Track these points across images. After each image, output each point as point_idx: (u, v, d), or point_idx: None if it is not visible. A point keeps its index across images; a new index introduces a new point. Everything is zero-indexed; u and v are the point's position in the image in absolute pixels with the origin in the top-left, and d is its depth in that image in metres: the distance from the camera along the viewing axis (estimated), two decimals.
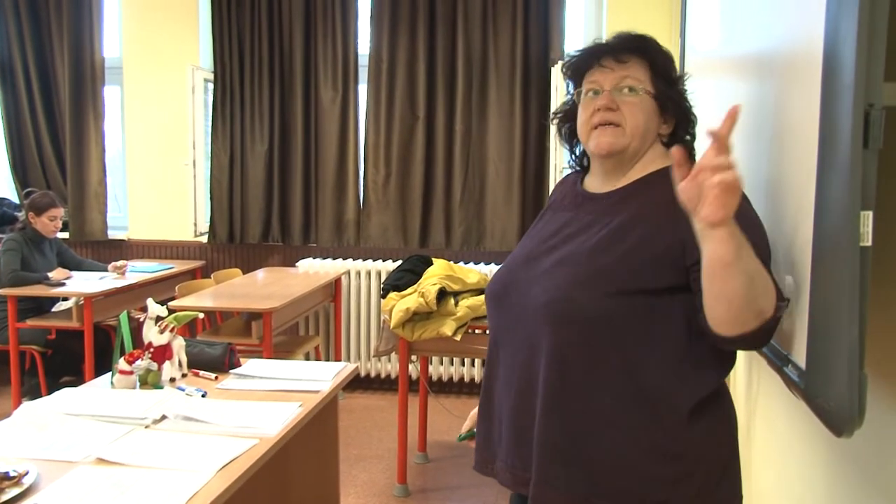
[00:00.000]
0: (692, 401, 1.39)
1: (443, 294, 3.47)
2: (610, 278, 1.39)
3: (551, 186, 4.63)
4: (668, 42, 5.38)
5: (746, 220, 1.26)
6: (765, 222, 1.53)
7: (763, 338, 1.29)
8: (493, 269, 4.94)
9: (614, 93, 1.48)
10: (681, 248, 1.36)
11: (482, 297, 3.55)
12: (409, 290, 3.56)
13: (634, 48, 1.51)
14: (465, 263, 4.78)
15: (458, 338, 3.38)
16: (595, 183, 1.59)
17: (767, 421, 2.41)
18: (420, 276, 3.65)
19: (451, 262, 3.82)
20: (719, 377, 1.45)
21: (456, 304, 3.47)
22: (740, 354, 2.81)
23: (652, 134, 1.50)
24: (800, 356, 1.31)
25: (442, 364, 5.07)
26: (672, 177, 1.22)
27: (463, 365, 5.08)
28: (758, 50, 1.84)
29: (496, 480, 1.60)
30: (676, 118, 1.52)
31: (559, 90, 4.59)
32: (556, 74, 4.62)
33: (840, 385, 1.16)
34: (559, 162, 4.59)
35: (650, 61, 1.50)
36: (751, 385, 2.65)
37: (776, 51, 1.65)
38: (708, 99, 2.60)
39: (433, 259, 3.83)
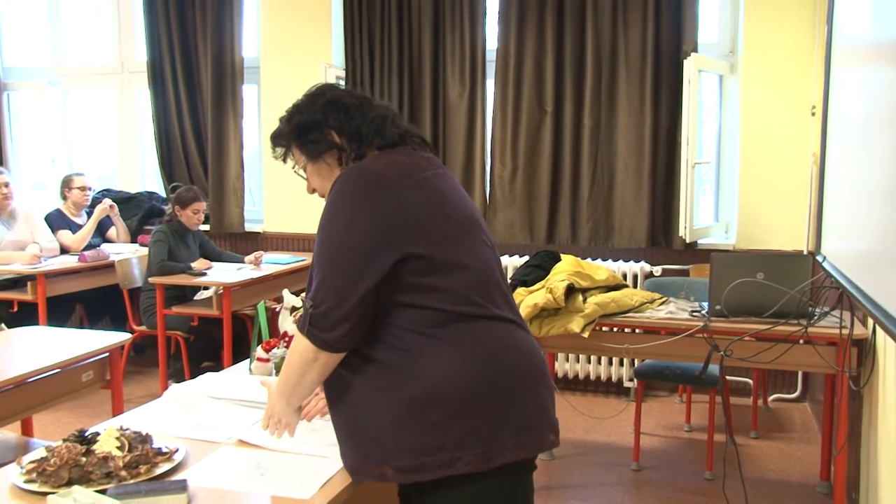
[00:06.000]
0: (352, 362, 1.61)
1: (571, 290, 3.43)
2: None
3: (682, 182, 4.50)
4: (811, 28, 5.09)
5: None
6: None
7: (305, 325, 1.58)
8: (621, 265, 4.85)
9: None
10: None
11: (611, 294, 3.51)
12: (537, 285, 3.54)
13: (278, 144, 1.80)
14: (593, 260, 4.71)
15: (585, 335, 3.34)
16: None
17: None
18: (548, 272, 3.62)
19: (580, 259, 3.77)
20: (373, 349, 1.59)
21: (584, 300, 3.43)
22: (891, 358, 2.66)
23: (333, 169, 1.73)
24: None
25: (568, 361, 5.02)
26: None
27: (590, 362, 5.00)
28: None
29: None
30: (329, 144, 1.73)
31: (692, 83, 4.44)
32: (689, 67, 4.47)
33: None
34: (691, 157, 4.43)
35: (290, 145, 1.77)
36: None
37: None
38: (856, 87, 2.46)
39: (561, 255, 3.79)
